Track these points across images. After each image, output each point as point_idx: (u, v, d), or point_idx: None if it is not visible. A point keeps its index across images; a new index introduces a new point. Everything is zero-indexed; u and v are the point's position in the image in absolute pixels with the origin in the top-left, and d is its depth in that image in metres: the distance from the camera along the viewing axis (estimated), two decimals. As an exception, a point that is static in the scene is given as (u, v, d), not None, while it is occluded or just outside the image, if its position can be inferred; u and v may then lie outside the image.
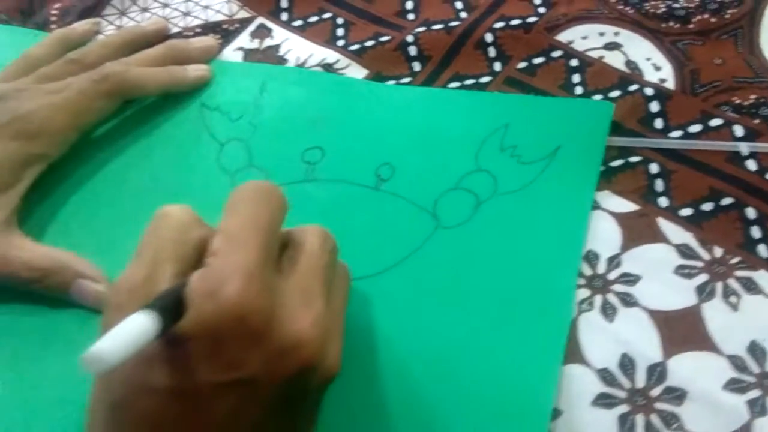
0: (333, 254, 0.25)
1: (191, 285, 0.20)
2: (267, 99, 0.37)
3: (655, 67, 0.36)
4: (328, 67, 0.39)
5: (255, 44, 0.40)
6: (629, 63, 0.36)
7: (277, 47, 0.40)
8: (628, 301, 0.29)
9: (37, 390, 0.28)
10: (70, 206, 0.34)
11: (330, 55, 0.39)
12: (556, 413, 0.26)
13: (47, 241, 0.33)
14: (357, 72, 0.38)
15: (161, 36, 0.41)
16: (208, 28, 0.42)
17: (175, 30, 0.42)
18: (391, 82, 0.37)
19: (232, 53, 0.40)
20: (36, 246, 0.31)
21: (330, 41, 0.40)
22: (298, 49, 0.40)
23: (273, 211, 0.23)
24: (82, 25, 0.41)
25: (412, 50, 0.38)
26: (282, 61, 0.39)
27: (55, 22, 0.43)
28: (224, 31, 0.41)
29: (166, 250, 0.22)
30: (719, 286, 0.29)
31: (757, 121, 0.33)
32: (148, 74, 0.36)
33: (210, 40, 0.40)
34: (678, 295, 0.29)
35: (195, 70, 0.38)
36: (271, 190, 0.24)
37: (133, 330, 0.18)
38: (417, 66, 0.38)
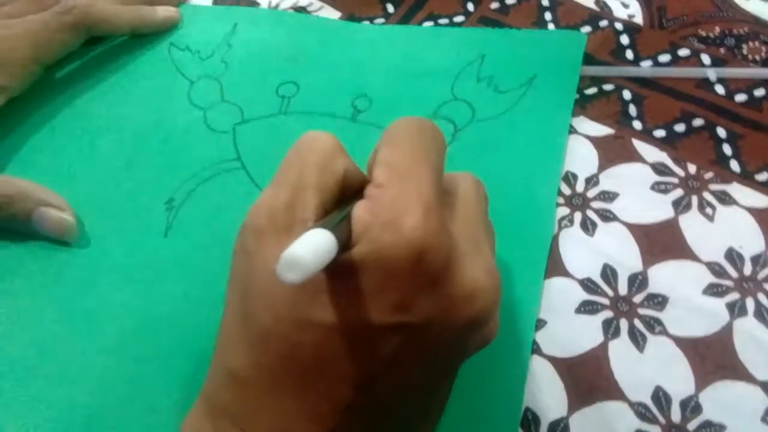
0: (486, 203, 0.23)
1: (361, 214, 0.17)
2: (238, 38, 0.36)
3: (624, 4, 0.37)
4: (301, 10, 0.38)
5: (225, -10, 0.40)
6: (598, 2, 0.37)
7: (247, -8, 0.39)
8: (607, 216, 0.29)
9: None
10: (33, 142, 0.33)
11: (302, -2, 0.39)
12: (539, 324, 0.26)
13: (9, 174, 0.31)
14: (330, 14, 0.38)
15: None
16: (176, -25, 0.41)
17: (142, -22, 0.41)
18: (365, 23, 0.37)
19: (201, -1, 0.39)
20: (-3, 176, 0.30)
21: (302, -15, 0.39)
22: (269, -7, 0.39)
23: (439, 147, 0.20)
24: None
25: (386, -8, 0.38)
26: (253, 4, 0.39)
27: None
28: (193, -22, 0.40)
29: (311, 176, 0.19)
30: (695, 199, 0.29)
31: (722, 50, 0.34)
32: (114, 10, 0.35)
33: (179, -17, 0.39)
34: (655, 209, 0.29)
35: (164, 11, 0.37)
36: (433, 126, 0.21)
37: (320, 243, 0.15)
38: (390, 8, 0.38)
